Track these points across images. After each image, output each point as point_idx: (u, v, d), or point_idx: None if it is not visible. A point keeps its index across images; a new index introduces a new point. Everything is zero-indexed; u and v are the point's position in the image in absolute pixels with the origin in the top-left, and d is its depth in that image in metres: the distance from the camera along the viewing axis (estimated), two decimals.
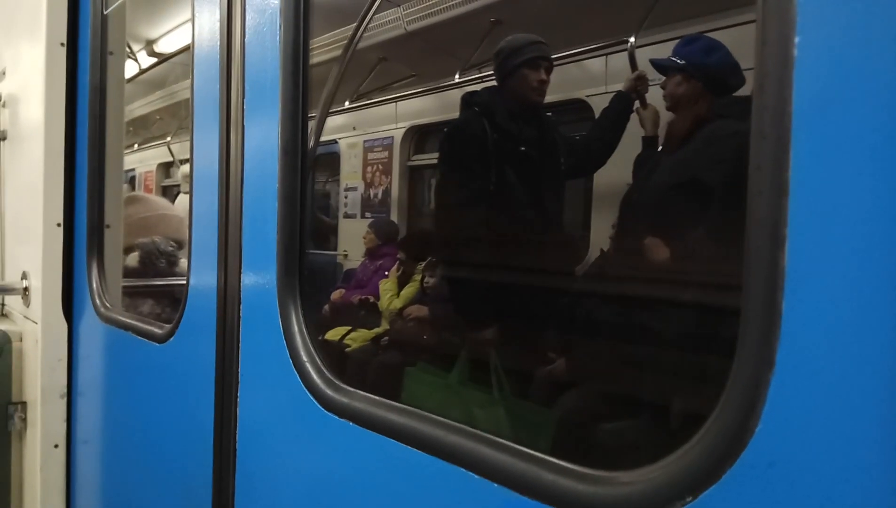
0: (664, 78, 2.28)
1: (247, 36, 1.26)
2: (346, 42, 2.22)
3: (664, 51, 2.34)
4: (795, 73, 0.53)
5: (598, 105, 3.05)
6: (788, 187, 0.53)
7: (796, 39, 0.53)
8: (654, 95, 2.44)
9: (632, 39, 3.19)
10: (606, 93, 3.30)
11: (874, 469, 0.49)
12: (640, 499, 0.63)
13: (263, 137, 1.21)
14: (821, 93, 0.52)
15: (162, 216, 2.75)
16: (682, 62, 2.17)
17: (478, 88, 2.91)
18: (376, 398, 0.99)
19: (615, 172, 2.55)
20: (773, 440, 0.54)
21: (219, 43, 1.33)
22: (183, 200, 4.24)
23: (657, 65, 2.30)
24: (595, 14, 3.44)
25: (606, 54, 3.61)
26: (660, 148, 2.36)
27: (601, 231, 3.15)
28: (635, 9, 3.23)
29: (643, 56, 2.82)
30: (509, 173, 2.42)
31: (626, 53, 3.24)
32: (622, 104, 2.55)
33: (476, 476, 0.79)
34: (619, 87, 2.63)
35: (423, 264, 3.86)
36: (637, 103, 2.51)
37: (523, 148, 2.46)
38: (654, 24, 3.16)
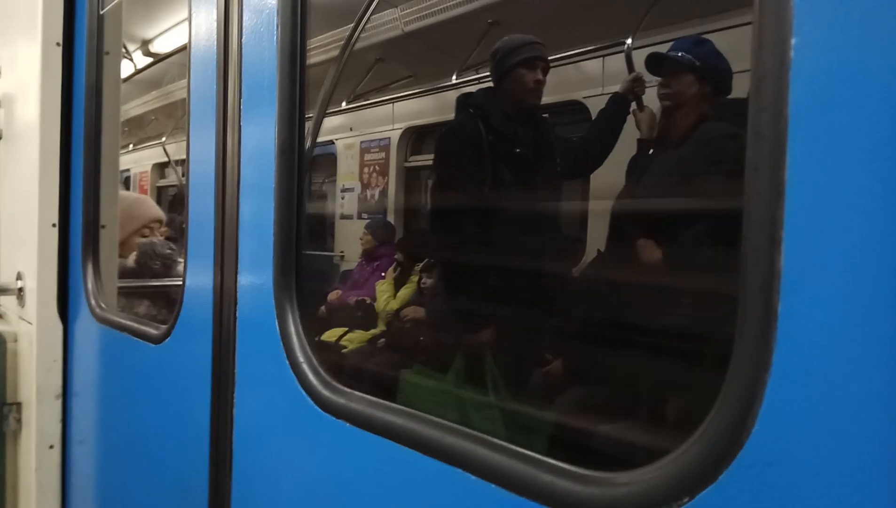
0: (662, 77, 2.27)
1: (244, 36, 1.26)
2: (343, 43, 2.22)
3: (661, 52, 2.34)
4: (792, 74, 0.53)
5: (595, 107, 3.05)
6: (785, 189, 0.53)
7: (793, 41, 0.53)
8: (650, 97, 2.44)
9: (629, 41, 3.19)
10: (603, 94, 3.30)
11: (871, 469, 0.49)
12: (638, 500, 0.63)
13: (260, 137, 1.21)
14: (817, 94, 0.52)
15: (137, 197, 2.92)
16: (699, 63, 2.15)
17: (475, 89, 2.91)
18: (373, 398, 0.99)
19: (613, 174, 2.55)
20: (769, 441, 0.54)
21: (216, 43, 1.33)
22: None
23: (674, 60, 2.20)
24: (592, 15, 3.45)
25: (603, 56, 3.61)
26: (651, 151, 2.36)
27: (598, 232, 3.15)
28: (633, 11, 3.24)
29: (640, 58, 2.82)
30: (505, 175, 2.42)
31: (622, 55, 3.25)
32: (618, 106, 2.55)
33: (473, 477, 0.79)
34: (616, 88, 2.63)
35: (420, 265, 3.86)
36: (633, 105, 2.51)
37: (519, 150, 2.45)
38: (652, 26, 3.16)
